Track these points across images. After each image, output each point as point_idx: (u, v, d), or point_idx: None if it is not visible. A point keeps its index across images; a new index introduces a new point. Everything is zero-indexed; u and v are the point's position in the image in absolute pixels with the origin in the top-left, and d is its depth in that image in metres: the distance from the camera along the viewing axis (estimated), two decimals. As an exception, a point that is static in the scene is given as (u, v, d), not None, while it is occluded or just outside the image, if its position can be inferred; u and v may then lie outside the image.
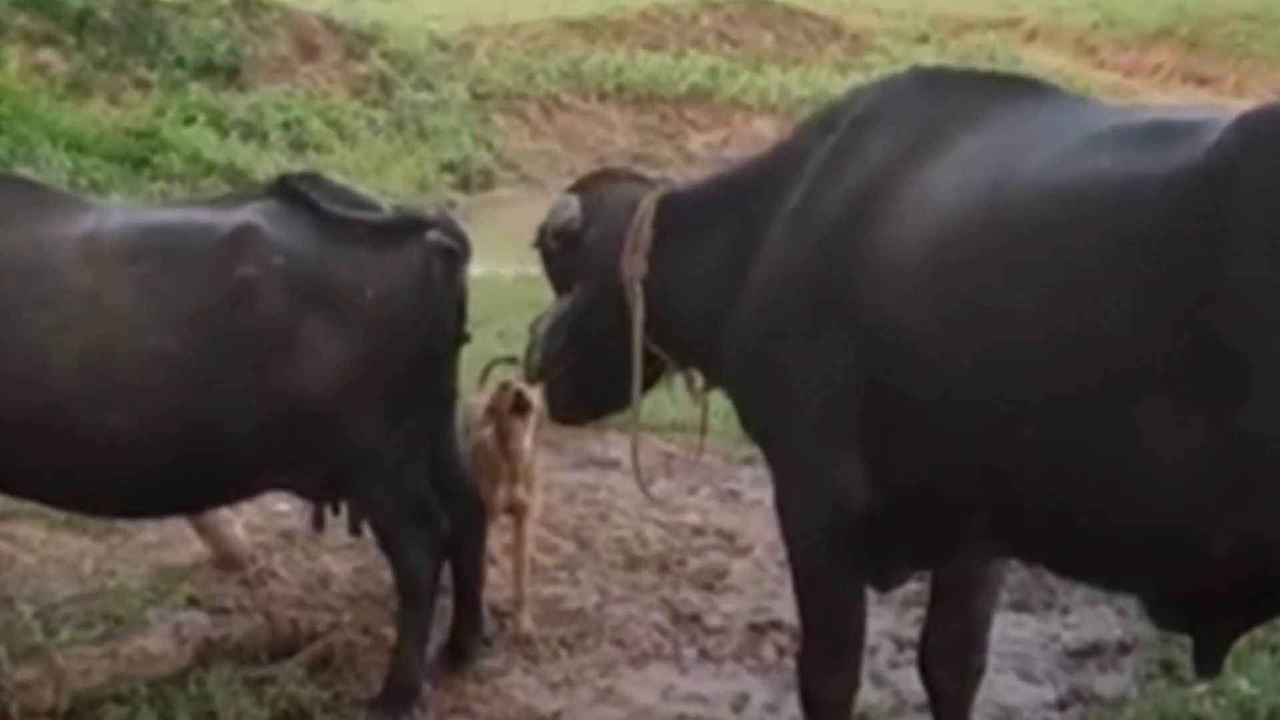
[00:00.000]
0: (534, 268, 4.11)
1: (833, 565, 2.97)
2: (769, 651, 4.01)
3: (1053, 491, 2.44)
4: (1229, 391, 2.12)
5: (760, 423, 3.11)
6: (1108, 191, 2.31)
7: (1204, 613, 2.51)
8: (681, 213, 3.27)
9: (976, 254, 2.48)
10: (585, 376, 3.51)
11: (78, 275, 3.38)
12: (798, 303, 2.87)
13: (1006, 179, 2.50)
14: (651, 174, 3.73)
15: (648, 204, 3.25)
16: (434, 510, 3.68)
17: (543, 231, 3.49)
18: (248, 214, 3.56)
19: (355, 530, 3.93)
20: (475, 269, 3.69)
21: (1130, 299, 2.23)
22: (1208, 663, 2.61)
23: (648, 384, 3.43)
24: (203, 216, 3.69)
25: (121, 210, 3.99)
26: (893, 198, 2.70)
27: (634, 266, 3.18)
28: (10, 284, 3.36)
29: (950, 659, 3.10)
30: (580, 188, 3.54)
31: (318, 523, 4.29)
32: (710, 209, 3.23)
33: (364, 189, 4.13)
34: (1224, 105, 3.30)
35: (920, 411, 2.63)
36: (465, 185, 13.14)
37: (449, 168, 13.28)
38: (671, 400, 4.20)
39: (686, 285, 3.18)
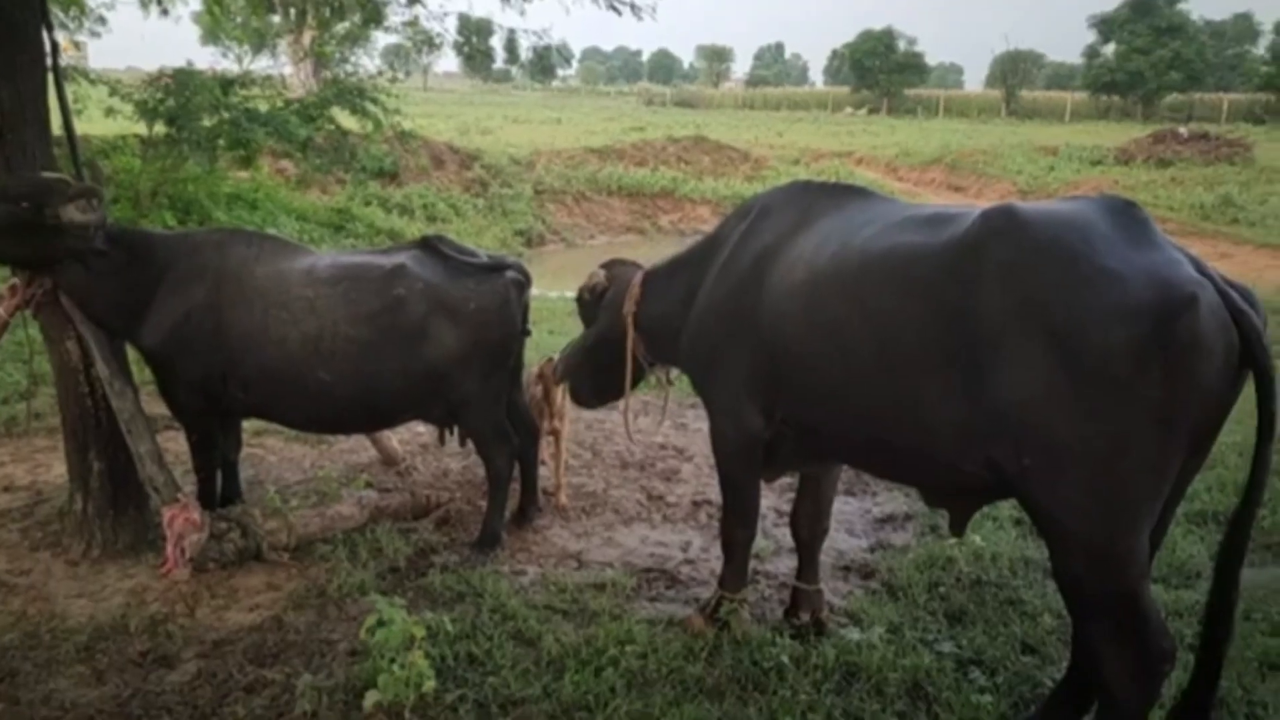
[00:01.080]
0: (569, 293, 5.38)
1: (743, 468, 3.90)
2: (704, 517, 5.30)
3: (871, 429, 3.22)
4: (975, 377, 2.78)
5: (702, 386, 4.00)
6: (904, 254, 3.03)
7: (957, 498, 3.33)
8: (656, 279, 4.28)
9: (827, 290, 3.25)
10: (598, 377, 4.58)
11: (303, 290, 4.46)
12: (723, 320, 3.73)
13: (845, 245, 3.26)
14: (640, 259, 4.70)
15: (638, 276, 4.33)
16: (508, 432, 4.83)
17: (582, 290, 4.59)
18: (402, 257, 4.64)
19: (463, 443, 5.06)
20: (535, 292, 4.75)
21: (916, 320, 2.93)
22: (959, 527, 3.42)
23: (634, 382, 4.48)
24: (375, 258, 4.71)
25: (328, 254, 4.91)
26: (778, 258, 3.52)
27: (629, 308, 4.25)
28: (266, 295, 4.44)
29: (808, 522, 4.10)
30: (606, 266, 4.59)
31: (441, 439, 5.21)
32: (671, 274, 4.19)
33: (470, 244, 5.08)
34: (973, 204, 3.95)
35: (794, 379, 3.44)
36: (529, 244, 17.29)
37: (519, 234, 17.57)
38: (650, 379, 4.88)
39: (660, 316, 4.15)
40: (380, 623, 3.45)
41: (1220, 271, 2.68)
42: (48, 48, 4.45)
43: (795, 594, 4.19)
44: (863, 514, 5.42)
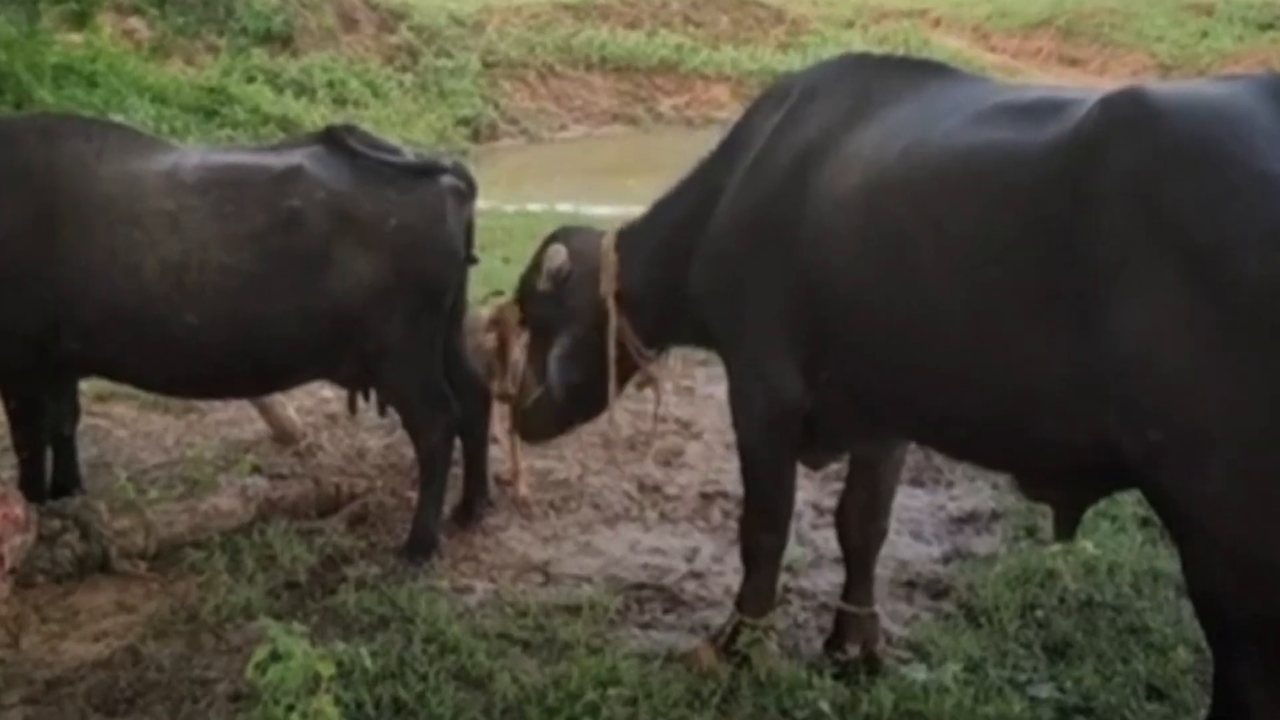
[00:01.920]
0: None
1: (773, 448, 3.96)
2: (716, 515, 5.36)
3: (950, 390, 3.24)
4: (1086, 317, 2.79)
5: (720, 335, 4.06)
6: (997, 156, 3.06)
7: (1063, 488, 3.36)
8: (638, 237, 4.32)
9: (892, 203, 3.28)
10: (572, 396, 4.53)
11: (163, 201, 4.44)
12: (750, 244, 3.75)
13: (916, 144, 3.29)
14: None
15: (608, 241, 4.34)
16: (446, 396, 4.87)
17: (534, 278, 4.53)
18: (298, 156, 4.65)
19: (383, 412, 5.09)
20: (482, 204, 4.74)
21: (1011, 242, 2.97)
22: (1064, 528, 3.45)
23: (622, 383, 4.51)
24: (262, 158, 4.74)
25: (197, 151, 4.98)
26: (827, 158, 3.53)
27: (609, 287, 4.25)
28: (111, 206, 4.41)
29: (860, 523, 4.12)
30: (559, 239, 4.54)
31: (352, 406, 5.26)
32: (663, 218, 4.29)
33: (393, 139, 5.28)
34: (1091, 86, 3.89)
35: (848, 325, 3.47)
36: (476, 137, 17.04)
37: (463, 122, 17.31)
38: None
39: (657, 282, 4.21)
40: (274, 657, 3.48)
41: None
42: None
43: (841, 619, 4.25)
44: (934, 511, 5.48)
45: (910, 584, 4.85)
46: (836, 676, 4.00)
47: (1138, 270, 2.73)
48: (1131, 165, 2.77)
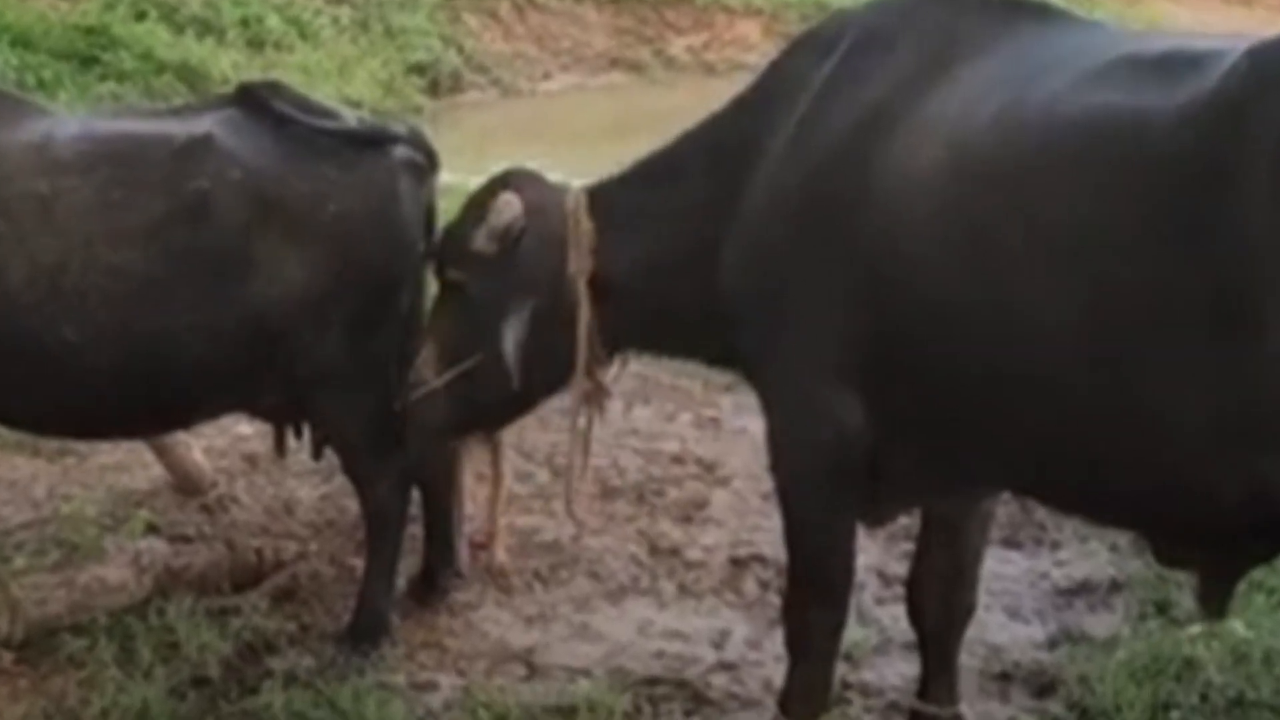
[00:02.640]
0: None
1: (828, 500, 3.97)
2: (751, 586, 5.35)
3: (1060, 426, 3.27)
4: (1240, 329, 2.85)
5: (754, 353, 4.08)
6: (1118, 124, 3.11)
7: (1208, 551, 3.40)
8: (620, 200, 4.35)
9: (985, 184, 3.33)
10: (479, 393, 4.52)
11: (32, 184, 4.43)
12: (795, 243, 3.79)
13: (1015, 108, 3.34)
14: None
15: (577, 201, 4.33)
16: (400, 434, 4.81)
17: (474, 234, 4.40)
18: (206, 124, 4.65)
19: (318, 454, 5.08)
20: (444, 178, 4.80)
21: (1140, 235, 3.02)
22: (1212, 602, 3.52)
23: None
24: (160, 126, 4.78)
25: (77, 118, 5.04)
26: (898, 124, 3.58)
27: (580, 264, 4.25)
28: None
29: (939, 596, 4.16)
30: (510, 185, 4.47)
31: (279, 447, 5.20)
32: (659, 181, 4.30)
33: (327, 96, 5.31)
34: (1241, 31, 3.87)
35: (924, 340, 3.51)
36: (433, 89, 16.96)
37: (416, 70, 17.10)
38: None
39: (646, 266, 4.23)
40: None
41: None
42: None
43: None
44: (1035, 581, 5.47)
45: (1005, 676, 4.86)
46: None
47: None
48: None
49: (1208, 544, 3.38)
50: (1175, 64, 3.15)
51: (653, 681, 4.80)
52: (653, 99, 17.52)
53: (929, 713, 4.28)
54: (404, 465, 4.97)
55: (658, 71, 20.16)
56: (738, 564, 5.59)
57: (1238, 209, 2.87)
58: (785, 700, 4.22)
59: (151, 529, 5.46)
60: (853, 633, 4.69)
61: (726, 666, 4.93)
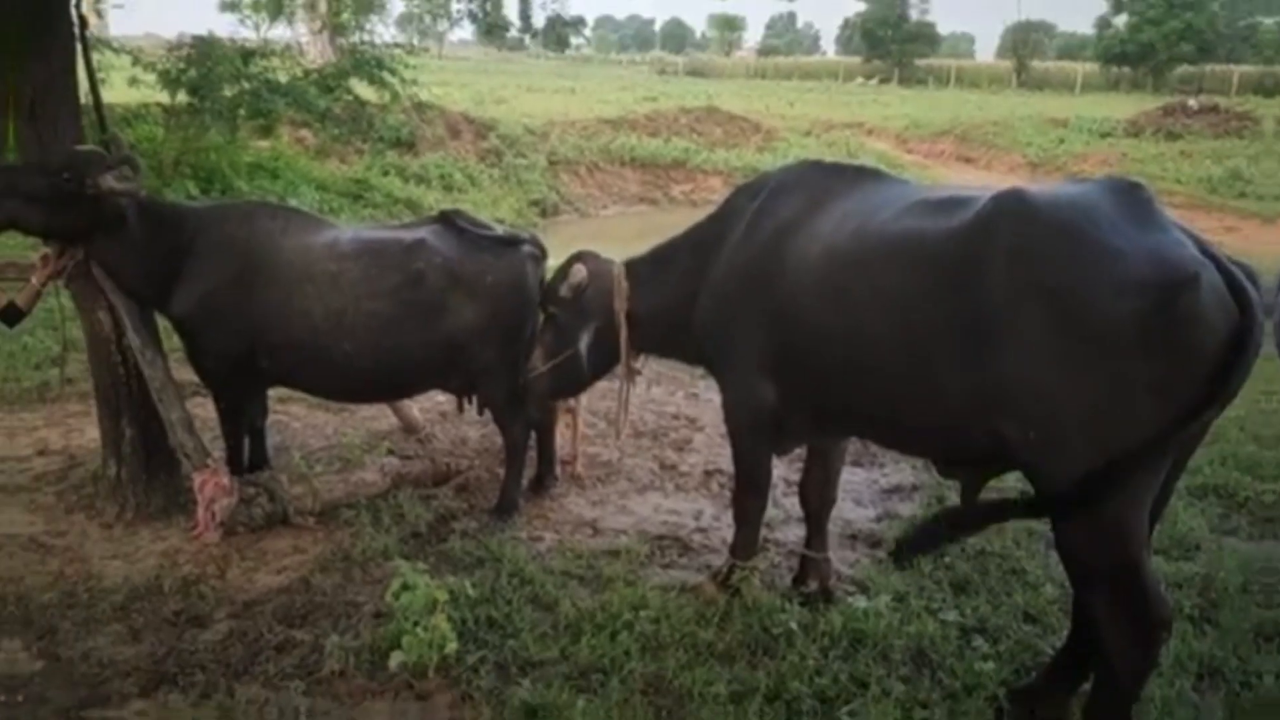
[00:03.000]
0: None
1: (755, 441, 3.95)
2: (715, 486, 5.36)
3: (884, 400, 3.29)
4: (981, 353, 2.87)
5: (716, 360, 4.02)
6: (918, 237, 3.10)
7: (968, 469, 3.38)
8: (642, 270, 4.23)
9: (842, 270, 3.31)
10: (563, 376, 4.45)
11: (326, 265, 4.50)
12: (738, 296, 3.74)
13: (863, 226, 3.32)
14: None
15: (617, 269, 4.24)
16: (524, 399, 4.74)
17: (561, 288, 4.33)
18: (421, 232, 4.68)
19: (481, 412, 5.01)
20: (550, 263, 4.83)
21: (926, 299, 3.02)
22: (969, 496, 3.43)
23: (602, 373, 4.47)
24: (396, 234, 4.77)
25: (350, 229, 4.98)
26: (796, 235, 3.56)
27: (622, 304, 4.19)
28: (291, 268, 4.48)
29: (816, 492, 4.15)
30: (578, 260, 4.37)
31: (460, 407, 5.16)
32: (663, 262, 4.18)
33: (486, 216, 5.22)
34: (983, 180, 3.85)
35: (807, 355, 3.50)
36: (543, 214, 17.28)
37: (534, 203, 17.53)
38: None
39: (656, 307, 4.15)
40: (405, 587, 3.55)
41: (1224, 249, 2.73)
42: (75, 21, 4.47)
43: (804, 562, 4.25)
44: (870, 484, 5.46)
45: (853, 537, 4.83)
46: (802, 604, 3.99)
47: (1019, 315, 2.77)
48: (1015, 240, 2.82)
49: (965, 466, 3.36)
50: (951, 203, 3.13)
51: (661, 538, 4.76)
52: (661, 219, 17.63)
53: (811, 556, 4.20)
54: (526, 418, 4.92)
55: (665, 204, 20.30)
56: (709, 474, 5.56)
57: (983, 286, 2.85)
58: (734, 549, 4.17)
59: (390, 451, 5.43)
60: (770, 512, 4.62)
61: (701, 530, 4.89)
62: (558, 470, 5.33)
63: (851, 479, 5.40)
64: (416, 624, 3.49)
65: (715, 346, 3.96)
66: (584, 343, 4.28)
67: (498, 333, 4.68)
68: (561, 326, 4.40)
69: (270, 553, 4.42)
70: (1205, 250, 2.70)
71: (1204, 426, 2.83)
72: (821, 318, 3.37)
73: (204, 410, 5.40)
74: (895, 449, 4.35)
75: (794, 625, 3.79)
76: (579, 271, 4.30)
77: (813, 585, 4.14)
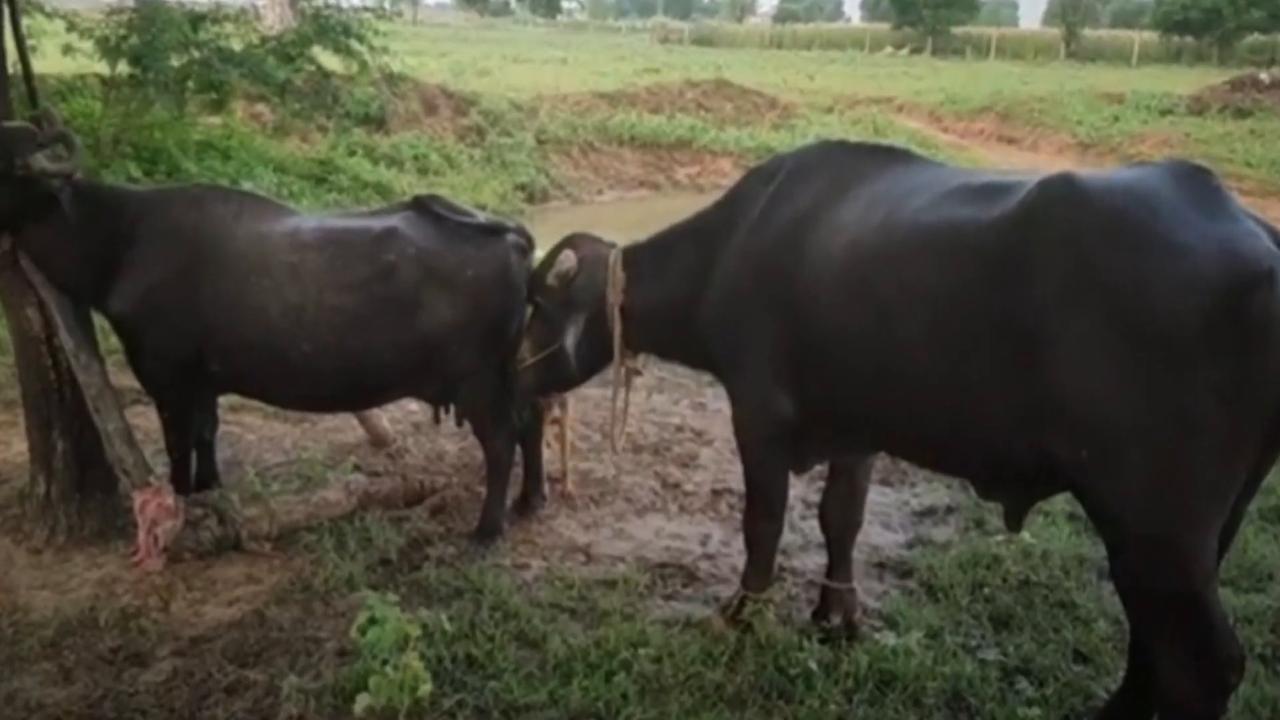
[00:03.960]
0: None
1: (769, 456, 3.96)
2: (724, 508, 5.33)
3: (914, 412, 3.26)
4: (1030, 359, 2.83)
5: (724, 366, 4.02)
6: (954, 228, 3.08)
7: (1011, 490, 3.35)
8: (641, 259, 4.20)
9: (869, 264, 3.28)
10: (550, 371, 4.49)
11: (286, 256, 4.47)
12: (750, 292, 3.72)
13: (892, 215, 3.29)
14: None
15: (614, 256, 4.21)
16: (510, 411, 4.86)
17: (548, 277, 4.36)
18: (393, 220, 4.66)
19: (459, 423, 5.00)
20: (538, 255, 4.76)
21: (965, 297, 3.00)
22: (1012, 521, 3.44)
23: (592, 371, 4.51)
24: (363, 221, 4.77)
25: (313, 216, 5.01)
26: (816, 225, 3.54)
27: (617, 297, 4.19)
28: (245, 259, 4.44)
29: (839, 515, 4.14)
30: (569, 245, 4.39)
31: (436, 418, 5.12)
32: (665, 251, 4.17)
33: (466, 203, 5.24)
34: (1027, 162, 3.82)
35: (828, 361, 3.48)
36: (531, 199, 17.21)
37: (521, 188, 17.40)
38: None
39: (656, 302, 4.13)
40: (372, 621, 3.52)
41: None
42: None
43: (825, 594, 4.24)
44: (900, 506, 5.45)
45: (881, 565, 4.82)
46: (823, 641, 3.98)
47: (1070, 316, 2.74)
48: (1064, 234, 2.80)
49: (1008, 486, 3.33)
50: (992, 189, 3.11)
51: (663, 566, 4.75)
52: (664, 206, 17.53)
53: (833, 587, 4.20)
54: (511, 431, 4.92)
55: (668, 189, 20.25)
56: (716, 494, 5.55)
57: (1029, 283, 2.83)
58: (746, 579, 4.16)
59: (356, 467, 5.43)
60: (787, 537, 4.66)
61: (708, 557, 4.88)
62: (545, 489, 5.32)
63: (879, 500, 5.38)
64: (385, 663, 3.45)
65: (724, 349, 3.95)
66: (571, 337, 4.28)
67: (478, 332, 4.68)
68: (549, 318, 4.41)
69: (220, 582, 4.40)
70: None
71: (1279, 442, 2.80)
72: (845, 318, 3.36)
73: (146, 420, 5.40)
74: (928, 467, 4.36)
75: (813, 665, 3.78)
76: (568, 259, 4.31)
77: (835, 620, 4.13)
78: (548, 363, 4.42)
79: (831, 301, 3.40)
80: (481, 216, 4.92)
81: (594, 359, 4.42)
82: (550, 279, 4.35)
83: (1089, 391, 2.74)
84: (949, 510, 5.39)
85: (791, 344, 3.61)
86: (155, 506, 4.44)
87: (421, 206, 4.82)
